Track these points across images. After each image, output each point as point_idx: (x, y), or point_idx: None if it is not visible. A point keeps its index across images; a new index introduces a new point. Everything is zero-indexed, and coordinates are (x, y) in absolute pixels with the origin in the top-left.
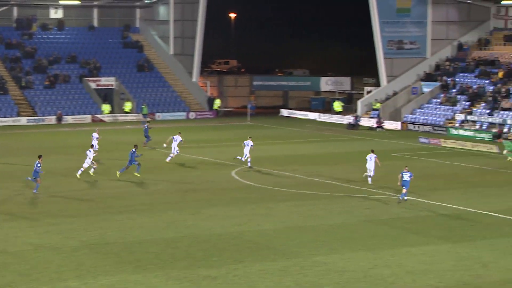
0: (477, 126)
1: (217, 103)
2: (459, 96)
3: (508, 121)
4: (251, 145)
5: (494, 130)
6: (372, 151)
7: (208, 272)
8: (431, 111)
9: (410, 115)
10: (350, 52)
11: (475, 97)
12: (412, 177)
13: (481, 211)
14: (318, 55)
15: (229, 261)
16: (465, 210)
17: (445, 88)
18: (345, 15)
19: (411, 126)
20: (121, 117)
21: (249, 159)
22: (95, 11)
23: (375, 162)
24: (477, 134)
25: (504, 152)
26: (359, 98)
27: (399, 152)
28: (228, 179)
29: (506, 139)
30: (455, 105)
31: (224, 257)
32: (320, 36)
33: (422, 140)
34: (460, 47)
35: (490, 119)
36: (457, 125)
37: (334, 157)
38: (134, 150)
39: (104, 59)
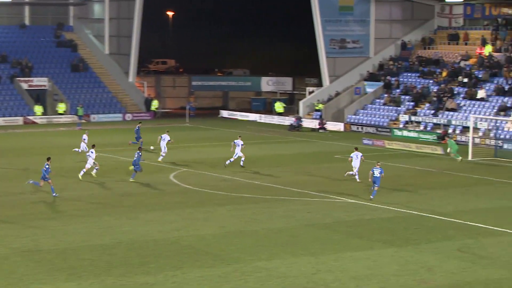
0: (422, 127)
1: (155, 104)
2: (403, 97)
3: (453, 122)
4: (242, 144)
5: (439, 131)
6: (356, 149)
7: (145, 279)
8: (374, 112)
9: (353, 116)
10: (292, 51)
11: (419, 98)
12: (382, 173)
13: (425, 214)
14: (259, 55)
15: (167, 267)
16: (409, 213)
17: (388, 88)
18: (287, 13)
19: (354, 127)
20: (54, 118)
21: (242, 158)
22: (27, 9)
23: (361, 160)
24: (422, 135)
25: (448, 150)
26: (301, 99)
27: (342, 154)
28: (166, 182)
29: (450, 138)
30: (399, 106)
31: (162, 264)
32: (261, 35)
33: (365, 141)
34: (404, 46)
35: (435, 120)
36: (401, 126)
37: (275, 160)
38: (139, 153)
39: (37, 59)
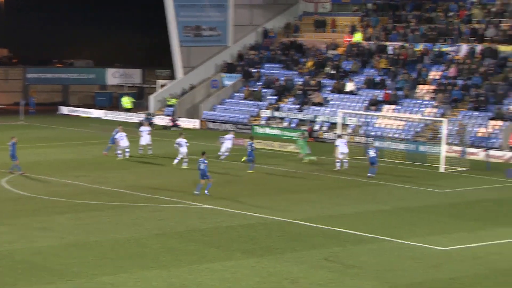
0: (286, 124)
1: None
2: (264, 90)
3: (319, 118)
4: (186, 143)
5: (304, 127)
6: (340, 136)
7: None
8: (233, 107)
9: (210, 112)
10: (141, 40)
11: (282, 91)
12: (378, 152)
13: (290, 220)
14: (103, 44)
15: None
16: (272, 219)
17: (249, 80)
18: None
19: (211, 125)
20: None
21: (179, 158)
22: None
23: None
24: (286, 133)
25: (295, 147)
26: (151, 93)
27: (197, 154)
28: None
29: (298, 137)
30: (261, 100)
31: None
32: (105, 21)
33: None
34: (265, 34)
35: (300, 116)
36: (263, 122)
37: (122, 162)
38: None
39: None
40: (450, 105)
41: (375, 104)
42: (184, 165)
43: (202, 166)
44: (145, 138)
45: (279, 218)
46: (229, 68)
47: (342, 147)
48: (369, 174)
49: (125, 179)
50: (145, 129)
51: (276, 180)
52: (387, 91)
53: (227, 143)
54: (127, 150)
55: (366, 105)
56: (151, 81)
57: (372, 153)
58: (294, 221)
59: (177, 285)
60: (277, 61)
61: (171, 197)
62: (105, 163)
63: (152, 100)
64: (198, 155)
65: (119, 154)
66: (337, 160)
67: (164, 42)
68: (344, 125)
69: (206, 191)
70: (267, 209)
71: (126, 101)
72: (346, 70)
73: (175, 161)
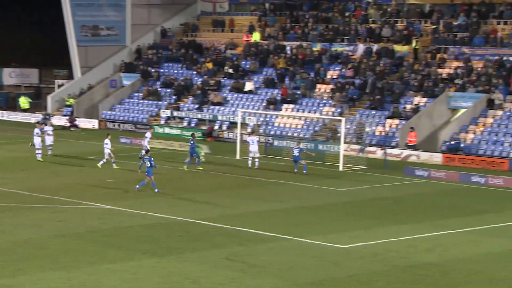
0: (185, 123)
1: None
2: (164, 90)
3: (219, 117)
4: (258, 141)
5: (204, 127)
6: (252, 134)
7: None
8: (132, 107)
9: (109, 112)
10: (38, 39)
11: (182, 91)
12: (302, 151)
13: (191, 220)
14: None
15: None
16: (172, 219)
17: (148, 80)
18: None
19: (110, 125)
20: None
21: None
22: None
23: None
24: (185, 132)
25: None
26: (49, 93)
27: (97, 154)
28: None
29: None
30: (160, 100)
31: None
32: (1, 20)
33: (123, 140)
34: (164, 33)
35: (199, 115)
36: (162, 122)
37: (20, 162)
38: (192, 140)
39: None
40: (348, 104)
41: (274, 103)
42: (114, 166)
43: (148, 164)
44: (49, 138)
45: (180, 218)
46: (127, 67)
47: (252, 145)
48: (304, 172)
49: (25, 180)
50: (49, 128)
51: (177, 180)
52: (284, 87)
53: (253, 147)
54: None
55: (265, 104)
56: (48, 81)
57: (296, 152)
58: (196, 220)
59: (76, 286)
60: (176, 60)
61: (71, 197)
62: (4, 164)
63: (50, 100)
64: (98, 155)
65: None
66: (249, 158)
67: (61, 41)
68: (244, 125)
69: (156, 190)
70: (168, 209)
71: (23, 101)
72: (245, 69)
73: (101, 162)
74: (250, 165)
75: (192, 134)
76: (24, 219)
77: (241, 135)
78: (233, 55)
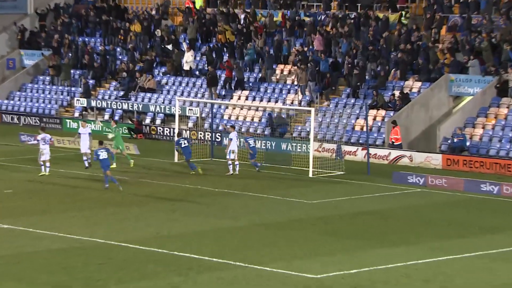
0: (107, 116)
1: None
2: (77, 72)
3: (151, 108)
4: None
5: (131, 121)
6: (233, 128)
7: None
8: (37, 95)
9: (6, 101)
10: None
11: (101, 73)
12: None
13: (114, 242)
14: None
15: None
16: (90, 241)
17: (55, 58)
18: None
19: (7, 118)
20: None
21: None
22: None
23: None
24: (107, 129)
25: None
26: None
27: None
28: None
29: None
30: (76, 85)
31: None
32: None
33: (24, 138)
34: None
35: (125, 105)
36: (76, 114)
37: None
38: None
39: None
40: (317, 89)
41: (214, 85)
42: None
43: (101, 157)
44: None
45: (100, 240)
46: (29, 42)
47: (233, 144)
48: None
49: None
50: None
51: (94, 189)
52: (228, 67)
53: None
54: None
55: (204, 86)
56: None
57: (251, 142)
58: (121, 243)
59: None
60: (92, 32)
61: None
62: None
63: None
64: None
65: None
66: (228, 162)
67: None
68: (184, 118)
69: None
70: (85, 228)
71: None
72: (184, 44)
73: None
74: (231, 171)
75: (178, 133)
76: None
77: (182, 131)
78: (170, 25)
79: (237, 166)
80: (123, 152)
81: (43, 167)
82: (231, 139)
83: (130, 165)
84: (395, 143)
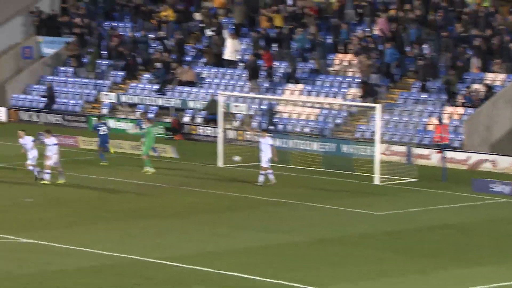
0: (138, 113)
1: None
2: (105, 62)
3: (190, 104)
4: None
5: (168, 119)
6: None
7: None
8: (59, 88)
9: (22, 96)
10: None
11: (133, 64)
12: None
13: (152, 260)
14: None
15: None
16: (125, 258)
17: (81, 46)
18: None
19: (25, 115)
20: None
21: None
22: None
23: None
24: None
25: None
26: None
27: (7, 160)
28: None
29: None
30: (102, 78)
31: None
32: None
33: (43, 139)
34: None
35: (161, 101)
36: (104, 111)
37: None
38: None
39: None
40: (385, 82)
41: (255, 77)
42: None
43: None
44: None
45: (135, 257)
46: (49, 28)
47: (266, 151)
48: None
49: None
50: None
51: (126, 198)
52: (267, 55)
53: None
54: None
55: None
56: None
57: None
58: (158, 260)
59: None
60: (120, 17)
61: None
62: None
63: None
64: (10, 160)
65: None
66: (264, 171)
67: None
68: (229, 115)
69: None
70: (117, 243)
71: None
72: (227, 30)
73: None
74: (261, 181)
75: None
76: None
77: (225, 131)
78: (209, 8)
79: (271, 175)
80: (144, 156)
81: (47, 174)
82: (271, 145)
83: (149, 172)
84: (441, 143)
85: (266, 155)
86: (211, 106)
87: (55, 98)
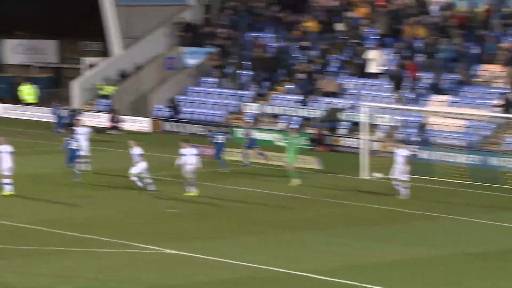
0: (282, 124)
1: None
2: (245, 73)
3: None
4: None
5: (311, 130)
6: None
7: None
8: (201, 99)
9: (166, 107)
10: None
11: (274, 73)
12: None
13: (296, 272)
14: None
15: None
16: (270, 271)
17: (224, 57)
18: None
19: (168, 126)
20: None
21: None
22: None
23: None
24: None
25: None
26: (74, 77)
27: (156, 171)
28: None
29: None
30: (245, 89)
31: None
32: None
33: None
34: None
35: (304, 112)
36: (248, 122)
37: (35, 180)
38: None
39: None
40: None
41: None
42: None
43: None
44: (82, 145)
45: (280, 269)
46: (193, 39)
47: (400, 163)
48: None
49: (41, 210)
50: (82, 131)
51: (270, 210)
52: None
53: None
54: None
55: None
56: (72, 58)
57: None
58: (302, 273)
59: None
60: (262, 27)
61: (113, 237)
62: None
63: (76, 87)
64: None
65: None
66: (396, 182)
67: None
68: (372, 126)
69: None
70: (260, 255)
71: (27, 91)
72: (369, 41)
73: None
74: (404, 194)
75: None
76: (44, 270)
77: (370, 142)
78: (352, 18)
79: (402, 188)
80: (287, 165)
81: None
82: (406, 157)
83: (294, 184)
84: None
85: (399, 167)
86: (331, 114)
87: (179, 109)
